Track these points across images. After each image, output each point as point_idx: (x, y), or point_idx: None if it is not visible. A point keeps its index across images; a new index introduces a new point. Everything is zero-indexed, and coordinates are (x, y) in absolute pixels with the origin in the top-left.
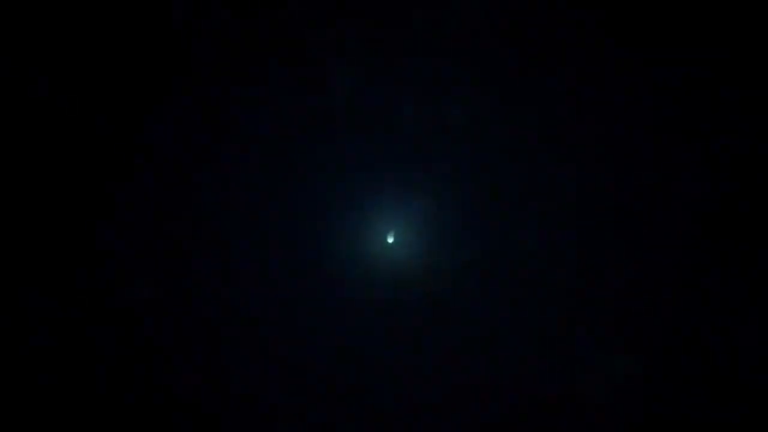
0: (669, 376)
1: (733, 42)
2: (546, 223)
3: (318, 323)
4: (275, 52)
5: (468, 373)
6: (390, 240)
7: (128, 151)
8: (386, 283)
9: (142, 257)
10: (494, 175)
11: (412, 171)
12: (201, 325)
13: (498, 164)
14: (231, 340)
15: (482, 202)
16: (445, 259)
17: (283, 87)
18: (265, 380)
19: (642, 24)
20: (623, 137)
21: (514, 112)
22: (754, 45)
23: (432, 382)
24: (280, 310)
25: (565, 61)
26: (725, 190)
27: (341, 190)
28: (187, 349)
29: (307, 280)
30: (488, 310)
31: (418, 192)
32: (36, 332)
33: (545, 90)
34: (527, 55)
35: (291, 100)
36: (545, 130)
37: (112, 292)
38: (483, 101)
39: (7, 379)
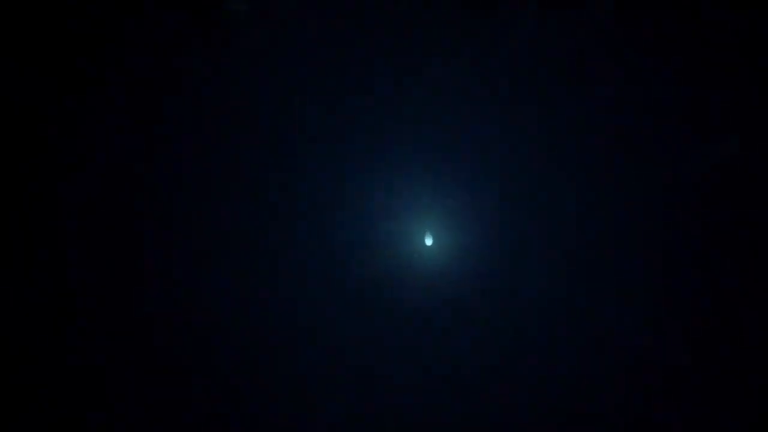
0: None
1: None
2: (587, 228)
3: (355, 324)
4: (307, 50)
5: (502, 376)
6: (428, 242)
7: (143, 149)
8: (424, 284)
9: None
10: (534, 180)
11: (452, 173)
12: (234, 329)
13: (539, 169)
14: (262, 343)
15: (521, 206)
16: (481, 261)
17: (322, 89)
18: (297, 381)
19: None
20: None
21: (563, 116)
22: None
23: (466, 383)
24: (318, 312)
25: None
26: (728, 194)
27: (381, 192)
28: (218, 352)
29: (345, 281)
30: (523, 314)
31: (457, 194)
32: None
33: (586, 96)
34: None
35: (331, 102)
36: (587, 137)
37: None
38: (528, 106)
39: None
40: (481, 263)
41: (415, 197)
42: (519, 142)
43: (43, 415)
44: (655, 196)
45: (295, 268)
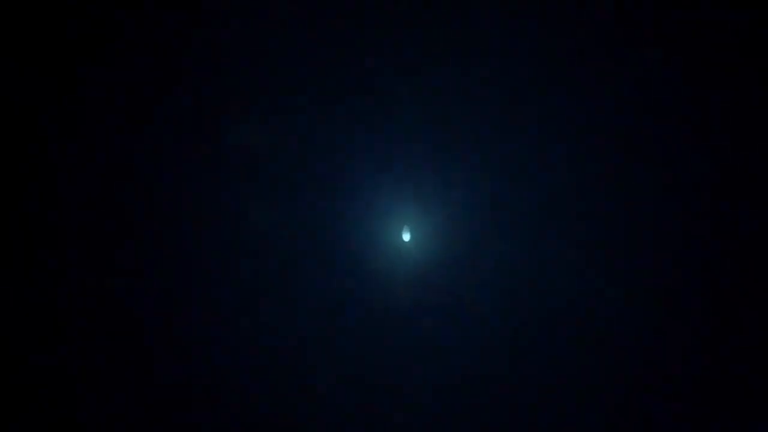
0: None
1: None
2: (563, 225)
3: (332, 321)
4: (287, 51)
5: (480, 372)
6: (405, 238)
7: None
8: (401, 281)
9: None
10: (511, 174)
11: (429, 169)
12: (210, 326)
13: (516, 164)
14: (241, 339)
15: (499, 202)
16: (460, 256)
17: (297, 85)
18: (276, 380)
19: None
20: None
21: (534, 112)
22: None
23: (445, 380)
24: (294, 308)
25: (581, 64)
26: (728, 194)
27: (358, 187)
28: (193, 352)
29: (322, 277)
30: (502, 309)
31: (434, 190)
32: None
33: (565, 91)
34: (548, 57)
35: (305, 96)
36: (565, 132)
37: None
38: (501, 100)
39: None
40: (461, 260)
41: (393, 192)
42: (500, 139)
43: (42, 416)
44: (647, 195)
45: (271, 265)
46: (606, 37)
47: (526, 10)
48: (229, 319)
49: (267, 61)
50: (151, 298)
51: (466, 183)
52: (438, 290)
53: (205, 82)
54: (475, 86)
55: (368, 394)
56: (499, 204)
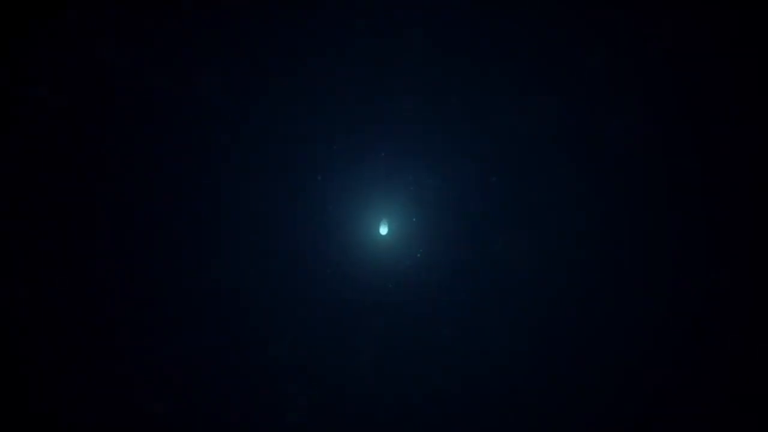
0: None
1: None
2: (539, 221)
3: (309, 314)
4: (275, 50)
5: (457, 368)
6: (383, 231)
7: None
8: (378, 274)
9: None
10: (488, 170)
11: (406, 163)
12: (187, 318)
13: (493, 158)
14: (220, 334)
15: (475, 197)
16: (436, 251)
17: (280, 83)
18: (254, 374)
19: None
20: (623, 139)
21: (513, 109)
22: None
23: (421, 375)
24: (271, 301)
25: (567, 61)
26: (728, 193)
27: (335, 181)
28: (175, 343)
29: (299, 270)
30: (478, 304)
31: (411, 184)
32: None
33: (544, 88)
34: (528, 53)
35: (286, 93)
36: (544, 129)
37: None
38: (481, 97)
39: None
40: (435, 253)
41: (369, 186)
42: (478, 133)
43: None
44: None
45: (249, 258)
46: (603, 37)
47: (520, 8)
48: (208, 317)
49: (246, 56)
50: (134, 295)
51: (444, 176)
52: (414, 283)
53: (189, 81)
54: (456, 81)
55: (347, 387)
56: (475, 197)
